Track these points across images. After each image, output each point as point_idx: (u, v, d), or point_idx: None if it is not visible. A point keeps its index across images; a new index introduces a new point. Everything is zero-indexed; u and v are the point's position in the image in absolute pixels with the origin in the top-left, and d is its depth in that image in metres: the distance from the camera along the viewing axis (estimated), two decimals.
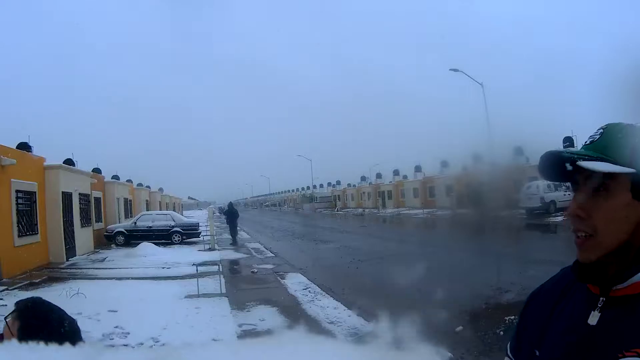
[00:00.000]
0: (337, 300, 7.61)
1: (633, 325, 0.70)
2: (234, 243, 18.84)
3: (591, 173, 0.74)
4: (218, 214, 24.77)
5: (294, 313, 6.90)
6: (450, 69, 25.38)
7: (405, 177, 47.92)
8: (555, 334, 0.82)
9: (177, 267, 12.01)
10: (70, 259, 13.70)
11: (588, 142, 0.80)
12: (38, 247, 12.27)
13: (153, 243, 15.94)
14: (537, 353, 0.84)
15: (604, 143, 0.77)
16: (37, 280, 9.91)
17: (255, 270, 11.15)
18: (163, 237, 18.90)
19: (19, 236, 11.12)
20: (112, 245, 18.37)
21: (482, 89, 24.47)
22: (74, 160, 19.43)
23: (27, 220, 11.78)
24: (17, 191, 11.28)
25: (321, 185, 74.92)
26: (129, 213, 24.61)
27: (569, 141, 27.68)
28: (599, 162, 0.73)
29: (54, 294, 8.41)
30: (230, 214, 20.41)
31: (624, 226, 0.73)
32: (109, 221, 20.50)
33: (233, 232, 19.91)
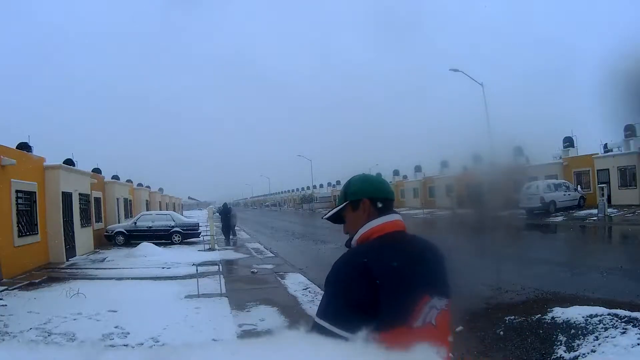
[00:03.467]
0: None
1: None
2: (227, 243, 18.97)
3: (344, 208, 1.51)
4: (218, 214, 24.87)
5: (294, 313, 6.89)
6: (450, 69, 25.39)
7: (405, 177, 47.92)
8: None
9: (177, 267, 12.00)
10: (70, 259, 13.70)
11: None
12: (38, 247, 12.27)
13: (153, 243, 15.93)
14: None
15: (342, 191, 1.53)
16: (37, 281, 9.91)
17: (255, 271, 11.16)
18: (163, 237, 18.90)
19: (19, 236, 11.12)
20: (112, 245, 18.38)
21: (482, 89, 24.47)
22: (74, 160, 19.46)
23: (27, 220, 11.78)
24: (17, 191, 11.27)
25: (321, 185, 74.86)
26: (129, 213, 24.61)
27: (568, 141, 27.75)
28: (328, 214, 1.55)
29: (54, 294, 8.42)
30: (224, 214, 20.51)
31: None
32: (109, 221, 20.50)
33: (225, 231, 20.19)
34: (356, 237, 1.42)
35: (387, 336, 1.13)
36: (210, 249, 16.32)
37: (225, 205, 21.67)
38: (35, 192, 12.25)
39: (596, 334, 4.40)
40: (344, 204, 1.48)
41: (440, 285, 1.36)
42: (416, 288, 1.28)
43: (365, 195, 1.44)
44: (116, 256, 14.60)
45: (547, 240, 15.88)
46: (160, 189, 41.55)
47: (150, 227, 19.13)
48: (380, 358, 0.88)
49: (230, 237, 20.65)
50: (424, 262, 1.36)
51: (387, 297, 1.21)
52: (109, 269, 12.06)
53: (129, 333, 5.81)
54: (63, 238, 13.46)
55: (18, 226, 11.16)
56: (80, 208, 15.48)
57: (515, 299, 6.65)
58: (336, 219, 1.53)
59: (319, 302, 1.31)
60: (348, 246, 1.44)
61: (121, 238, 18.69)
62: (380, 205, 1.44)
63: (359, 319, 1.14)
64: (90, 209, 17.33)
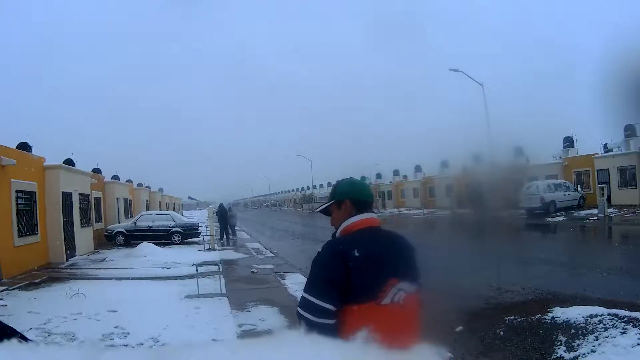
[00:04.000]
0: None
1: None
2: (223, 243, 19.02)
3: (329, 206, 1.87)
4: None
5: (294, 313, 6.87)
6: (450, 69, 25.39)
7: (405, 177, 47.89)
8: None
9: (177, 267, 12.01)
10: (70, 259, 13.70)
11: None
12: (38, 247, 12.27)
13: (153, 243, 15.94)
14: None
15: (331, 191, 1.88)
16: (37, 281, 9.91)
17: (256, 270, 11.15)
18: (163, 237, 18.90)
19: (19, 236, 11.11)
20: (112, 245, 18.38)
21: (482, 89, 24.47)
22: (74, 160, 19.48)
23: (27, 220, 11.78)
24: (17, 191, 11.27)
25: (321, 185, 74.83)
26: (129, 213, 24.61)
27: (568, 141, 27.75)
28: (319, 208, 1.92)
29: (54, 294, 8.42)
30: (221, 215, 20.58)
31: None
32: (109, 221, 20.50)
33: (222, 231, 20.38)
34: (339, 229, 1.76)
35: (358, 309, 1.51)
36: (210, 249, 16.32)
37: (221, 205, 21.70)
38: (35, 192, 12.25)
39: (596, 334, 4.40)
40: (331, 202, 1.84)
41: (408, 271, 1.67)
42: (383, 272, 1.58)
43: (348, 197, 1.78)
44: (116, 256, 14.60)
45: (547, 240, 15.88)
46: (160, 189, 41.53)
47: (150, 227, 19.14)
48: (380, 358, 0.88)
49: (230, 237, 20.68)
50: (392, 251, 1.67)
51: (357, 278, 1.54)
52: (109, 269, 12.06)
53: (129, 333, 5.81)
54: (63, 238, 13.46)
55: (18, 226, 11.15)
56: (80, 208, 15.48)
57: (515, 299, 6.65)
58: (325, 212, 1.91)
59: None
60: (333, 237, 1.79)
61: (121, 238, 18.69)
62: (359, 205, 1.77)
63: (335, 293, 1.53)
64: (90, 209, 17.34)
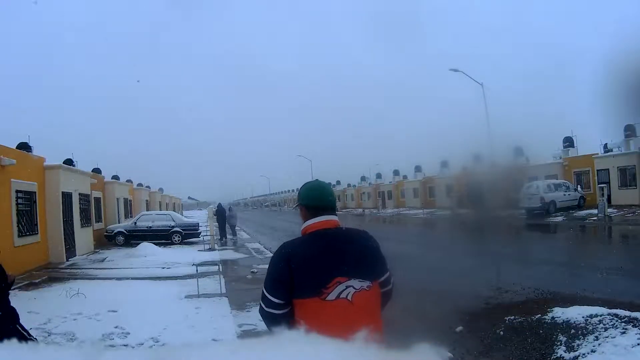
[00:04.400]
0: None
1: None
2: (222, 243, 19.07)
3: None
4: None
5: None
6: (450, 69, 25.39)
7: (405, 177, 47.88)
8: None
9: (177, 267, 12.01)
10: (70, 259, 13.70)
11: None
12: (38, 247, 12.27)
13: (153, 243, 15.94)
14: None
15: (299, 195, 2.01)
16: (37, 281, 9.91)
17: (256, 271, 11.14)
18: (163, 237, 18.91)
19: (19, 236, 11.12)
20: (112, 245, 18.38)
21: (482, 89, 24.47)
22: (74, 160, 19.50)
23: (27, 220, 11.78)
24: (17, 191, 11.27)
25: None
26: (129, 213, 24.62)
27: (568, 141, 27.75)
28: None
29: (54, 294, 8.42)
30: (219, 215, 20.63)
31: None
32: (109, 221, 20.51)
33: (221, 232, 20.52)
34: (301, 229, 1.96)
35: (304, 303, 1.75)
36: (210, 249, 16.32)
37: (219, 205, 21.73)
38: (35, 192, 12.25)
39: (596, 334, 4.40)
40: (297, 205, 2.03)
41: (360, 269, 1.79)
42: (325, 271, 1.76)
43: (302, 203, 1.97)
44: (116, 256, 14.60)
45: (547, 240, 15.88)
46: (160, 189, 41.55)
47: (150, 227, 19.14)
48: (380, 358, 0.88)
49: (231, 237, 20.69)
50: (341, 252, 1.81)
51: (299, 277, 1.76)
52: (109, 269, 12.06)
53: (129, 333, 5.81)
54: (63, 238, 13.46)
55: (18, 226, 11.16)
56: (80, 208, 15.49)
57: (515, 299, 6.65)
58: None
59: None
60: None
61: (121, 238, 18.70)
62: (313, 210, 1.92)
63: (282, 289, 1.78)
64: (90, 209, 17.34)
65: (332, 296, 1.73)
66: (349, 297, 1.74)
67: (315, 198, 1.95)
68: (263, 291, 1.85)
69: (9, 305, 3.49)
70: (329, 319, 1.66)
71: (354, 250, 1.83)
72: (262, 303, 1.85)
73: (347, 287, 1.74)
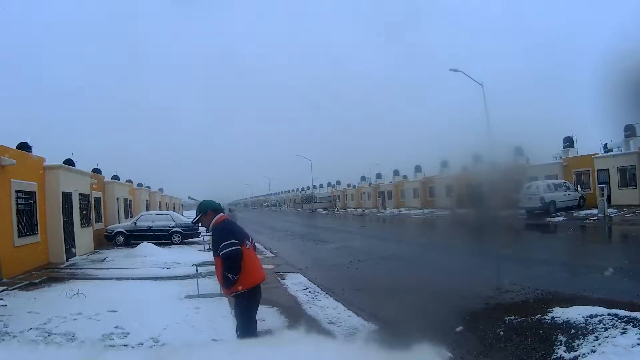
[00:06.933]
0: (337, 300, 7.60)
1: None
2: None
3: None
4: None
5: (294, 313, 6.89)
6: (450, 69, 25.41)
7: (405, 177, 47.91)
8: None
9: (177, 267, 12.00)
10: (70, 259, 13.70)
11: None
12: (38, 247, 12.26)
13: (153, 243, 15.93)
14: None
15: (198, 209, 4.49)
16: (37, 281, 9.91)
17: None
18: (163, 237, 18.91)
19: (18, 236, 11.11)
20: (112, 245, 18.37)
21: (482, 89, 24.48)
22: (74, 160, 19.52)
23: (27, 220, 11.78)
24: (17, 191, 11.27)
25: (321, 186, 74.84)
26: (129, 213, 24.63)
27: (568, 141, 27.75)
28: (195, 219, 4.52)
29: (54, 294, 8.41)
30: None
31: None
32: (109, 221, 20.51)
33: None
34: (211, 224, 4.28)
35: (243, 246, 4.08)
36: (210, 249, 16.29)
37: (219, 205, 21.69)
38: (35, 192, 12.25)
39: (596, 334, 4.40)
40: (201, 214, 4.33)
41: (246, 235, 4.24)
42: (239, 234, 4.17)
43: (209, 208, 4.34)
44: (116, 256, 14.60)
45: (547, 240, 15.88)
46: (160, 189, 41.55)
47: (150, 227, 19.14)
48: (380, 358, 0.88)
49: None
50: (240, 228, 4.39)
51: (234, 235, 4.09)
52: (109, 269, 12.06)
53: (129, 333, 5.80)
54: (63, 238, 13.46)
55: (18, 226, 11.15)
56: (80, 208, 15.48)
57: (515, 299, 6.65)
58: (199, 220, 4.33)
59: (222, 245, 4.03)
60: (205, 227, 4.48)
61: (121, 238, 18.70)
62: (214, 211, 4.33)
63: (232, 237, 4.04)
64: (90, 209, 17.33)
65: (247, 246, 4.14)
66: (249, 248, 4.19)
67: (214, 205, 4.39)
68: (226, 243, 3.98)
69: None
70: (250, 256, 4.16)
71: (241, 228, 4.39)
72: (228, 247, 3.96)
73: (248, 243, 4.19)
